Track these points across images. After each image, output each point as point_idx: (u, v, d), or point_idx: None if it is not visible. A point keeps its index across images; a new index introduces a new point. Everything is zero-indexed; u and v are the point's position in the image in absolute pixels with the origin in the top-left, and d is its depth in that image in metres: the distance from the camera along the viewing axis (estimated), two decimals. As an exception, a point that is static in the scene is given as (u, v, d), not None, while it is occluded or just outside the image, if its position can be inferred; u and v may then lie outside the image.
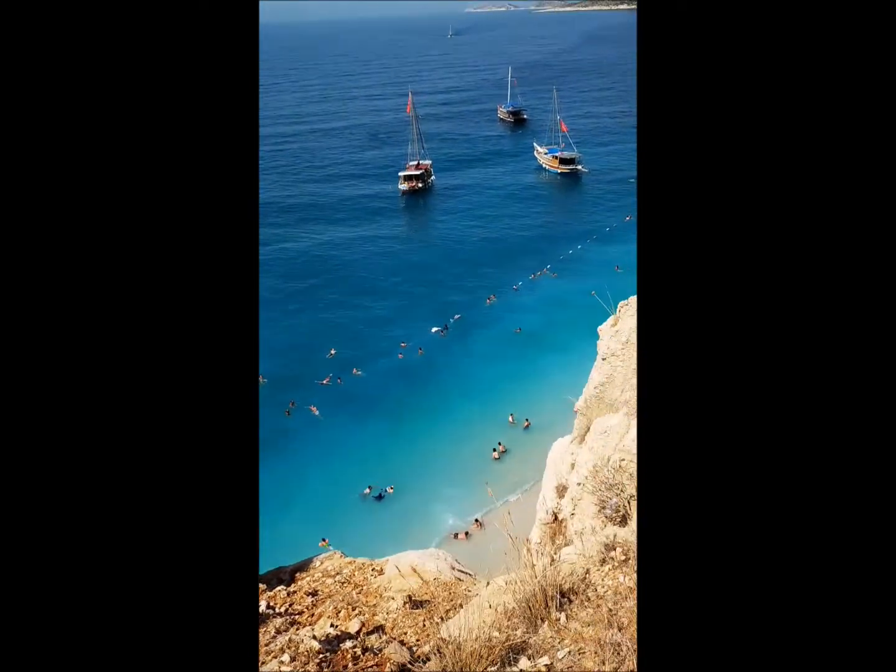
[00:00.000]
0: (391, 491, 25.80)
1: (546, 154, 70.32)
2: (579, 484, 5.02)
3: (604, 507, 4.24)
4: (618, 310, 8.75)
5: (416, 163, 68.38)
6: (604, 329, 8.85)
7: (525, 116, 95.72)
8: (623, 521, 4.16)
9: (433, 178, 68.63)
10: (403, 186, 64.57)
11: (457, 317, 39.43)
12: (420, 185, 65.00)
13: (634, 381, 8.10)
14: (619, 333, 8.29)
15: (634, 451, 5.38)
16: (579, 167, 66.81)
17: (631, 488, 4.34)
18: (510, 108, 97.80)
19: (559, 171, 67.72)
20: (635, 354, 8.10)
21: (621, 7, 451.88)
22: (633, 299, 8.47)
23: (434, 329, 38.04)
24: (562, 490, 5.23)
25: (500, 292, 42.59)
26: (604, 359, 8.40)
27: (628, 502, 4.20)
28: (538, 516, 4.83)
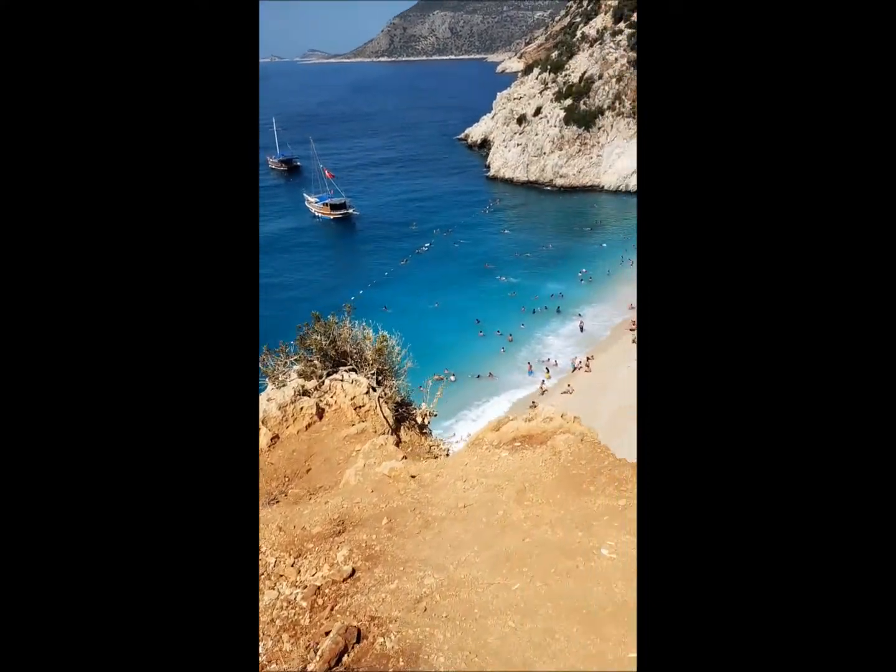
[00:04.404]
0: None
1: (316, 203, 70.26)
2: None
3: None
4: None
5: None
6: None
7: (298, 164, 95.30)
8: None
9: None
10: None
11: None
12: None
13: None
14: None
15: None
16: (350, 210, 67.80)
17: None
18: (281, 158, 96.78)
19: (331, 216, 67.91)
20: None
21: (381, 60, 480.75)
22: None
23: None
24: None
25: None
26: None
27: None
28: None
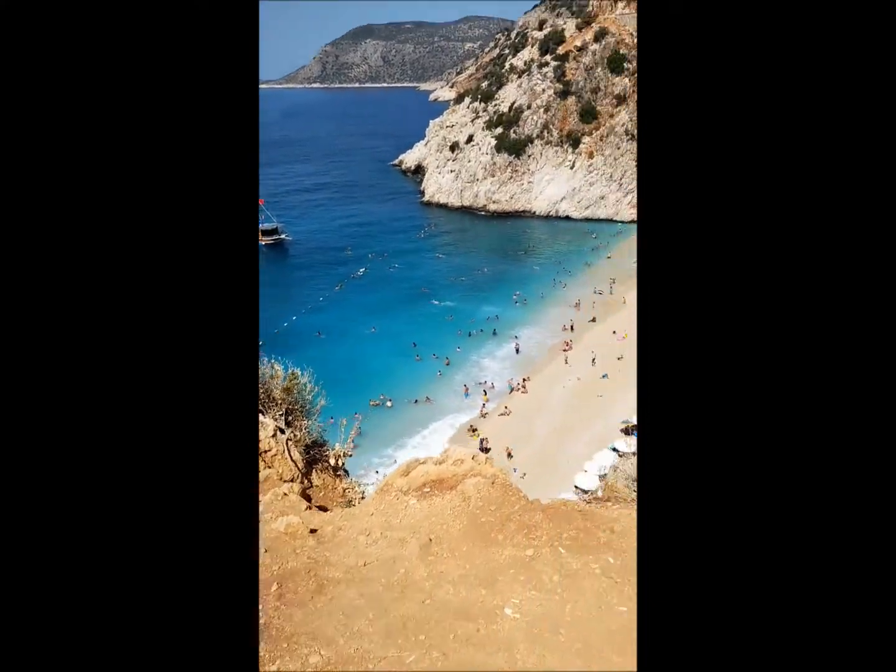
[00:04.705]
0: None
1: (248, 229, 68.90)
2: None
3: None
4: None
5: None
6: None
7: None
8: None
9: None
10: None
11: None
12: None
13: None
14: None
15: None
16: (283, 236, 66.91)
17: None
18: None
19: (264, 243, 66.68)
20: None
21: (314, 86, 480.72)
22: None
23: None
24: None
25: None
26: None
27: None
28: None
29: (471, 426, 34.41)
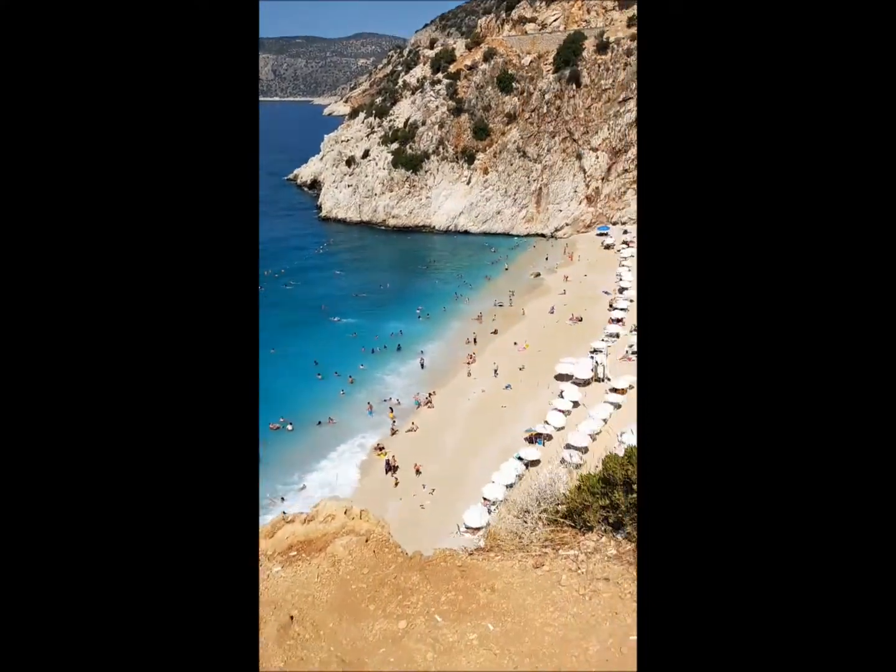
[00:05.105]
0: None
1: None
2: None
3: None
4: None
5: None
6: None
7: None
8: None
9: None
10: None
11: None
12: None
13: None
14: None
15: None
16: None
17: None
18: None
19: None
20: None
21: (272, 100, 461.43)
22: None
23: None
24: None
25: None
26: None
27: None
28: None
29: (378, 445, 33.76)
